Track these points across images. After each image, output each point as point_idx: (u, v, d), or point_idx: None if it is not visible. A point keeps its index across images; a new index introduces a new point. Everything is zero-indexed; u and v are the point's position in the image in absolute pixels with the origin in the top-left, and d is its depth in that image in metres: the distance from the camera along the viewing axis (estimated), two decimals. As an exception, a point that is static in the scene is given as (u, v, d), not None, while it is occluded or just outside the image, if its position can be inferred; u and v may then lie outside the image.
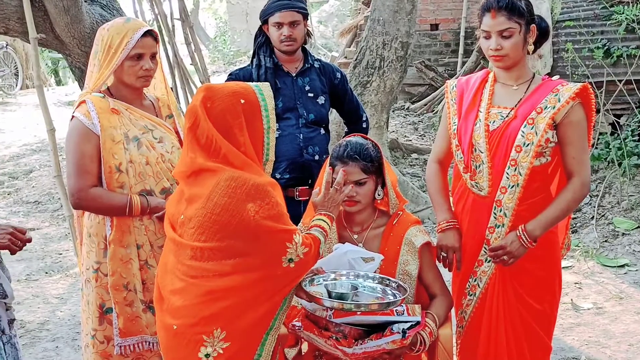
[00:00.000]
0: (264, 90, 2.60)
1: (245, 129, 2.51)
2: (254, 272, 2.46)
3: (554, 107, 2.89)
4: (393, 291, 2.78)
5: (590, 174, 3.00)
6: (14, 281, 5.84)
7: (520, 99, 2.97)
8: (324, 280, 2.79)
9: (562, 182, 3.05)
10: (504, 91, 3.02)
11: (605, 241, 6.37)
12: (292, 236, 2.48)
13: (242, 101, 2.52)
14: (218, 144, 2.47)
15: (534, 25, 2.94)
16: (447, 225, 3.07)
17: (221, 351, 2.45)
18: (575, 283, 5.58)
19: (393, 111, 9.92)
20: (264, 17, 3.86)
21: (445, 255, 3.07)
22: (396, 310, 2.74)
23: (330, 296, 2.66)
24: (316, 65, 3.97)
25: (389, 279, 2.83)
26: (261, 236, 2.44)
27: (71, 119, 3.10)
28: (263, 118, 2.55)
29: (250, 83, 2.65)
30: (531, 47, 2.96)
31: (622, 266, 5.86)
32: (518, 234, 2.91)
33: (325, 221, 2.73)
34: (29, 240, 2.78)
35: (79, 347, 4.61)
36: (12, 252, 2.72)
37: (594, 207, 6.85)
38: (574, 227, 6.70)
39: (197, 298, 2.47)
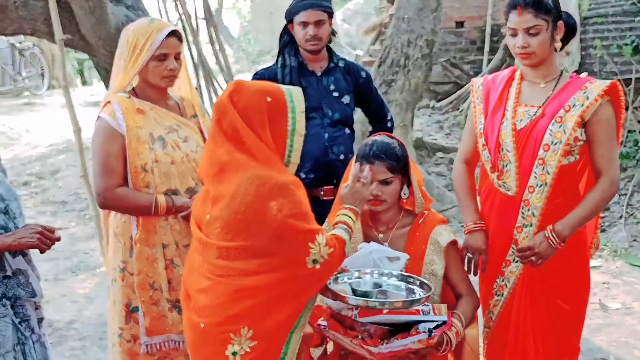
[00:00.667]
0: (294, 93, 2.58)
1: (268, 127, 2.50)
2: (278, 272, 2.45)
3: (582, 105, 2.85)
4: (417, 289, 2.77)
5: (619, 172, 2.95)
6: (41, 280, 5.93)
7: (548, 97, 2.94)
8: (348, 278, 2.79)
9: (591, 181, 3.02)
10: (531, 89, 2.99)
11: (634, 240, 6.30)
12: (314, 236, 2.46)
13: (269, 99, 2.51)
14: (243, 136, 2.47)
15: (561, 22, 2.90)
16: (474, 227, 3.05)
17: (248, 349, 2.46)
18: (604, 283, 5.52)
19: (418, 110, 9.86)
20: (289, 17, 3.85)
21: (470, 256, 3.04)
22: (422, 309, 2.72)
23: (354, 294, 2.65)
24: (341, 64, 3.95)
25: (412, 277, 2.82)
26: (284, 235, 2.44)
27: (97, 119, 3.12)
28: (288, 119, 2.54)
29: (281, 85, 2.64)
30: (558, 44, 2.92)
31: (651, 266, 5.79)
32: (547, 235, 2.87)
33: (349, 216, 2.69)
34: (58, 239, 2.79)
35: (106, 346, 4.63)
36: (42, 251, 2.74)
37: (623, 206, 6.77)
38: (602, 226, 6.62)
39: (224, 297, 2.47)
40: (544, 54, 2.91)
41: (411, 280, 2.81)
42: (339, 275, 2.76)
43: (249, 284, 2.45)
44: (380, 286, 2.77)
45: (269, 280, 2.45)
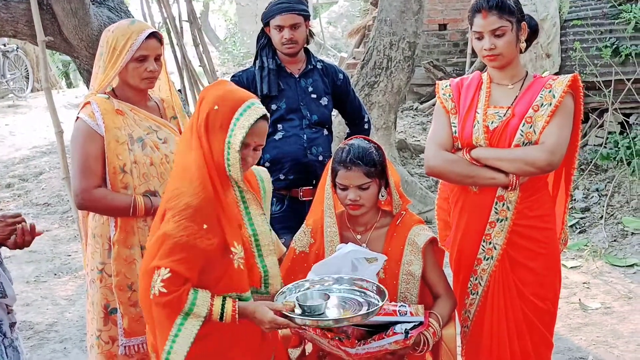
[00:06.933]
0: (250, 110, 2.49)
1: (208, 134, 2.48)
2: None
3: (550, 104, 2.90)
4: (371, 295, 2.71)
5: (561, 154, 2.90)
6: (22, 282, 5.93)
7: (516, 97, 2.99)
8: (297, 289, 2.71)
9: (558, 179, 3.12)
10: (500, 91, 3.03)
11: (614, 241, 6.34)
12: (159, 268, 2.40)
13: (216, 107, 2.48)
14: (197, 135, 2.49)
15: (524, 22, 2.96)
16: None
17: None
18: (584, 283, 5.56)
19: (401, 111, 9.91)
20: (266, 20, 3.88)
21: None
22: (399, 310, 2.73)
23: (302, 309, 2.56)
24: (319, 66, 3.97)
25: (366, 281, 2.76)
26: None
27: (76, 120, 3.10)
28: (228, 131, 2.46)
29: (251, 99, 2.54)
30: (523, 45, 2.98)
31: (631, 266, 5.83)
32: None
33: (223, 308, 2.48)
34: (33, 233, 2.75)
35: (87, 348, 4.63)
36: (13, 244, 2.70)
37: (603, 206, 6.82)
38: (582, 226, 6.68)
39: None
40: (511, 55, 2.95)
41: (366, 286, 2.75)
42: (285, 289, 2.68)
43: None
44: (329, 297, 2.66)
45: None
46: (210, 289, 2.48)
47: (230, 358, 2.58)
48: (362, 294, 2.74)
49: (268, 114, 2.58)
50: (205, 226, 2.43)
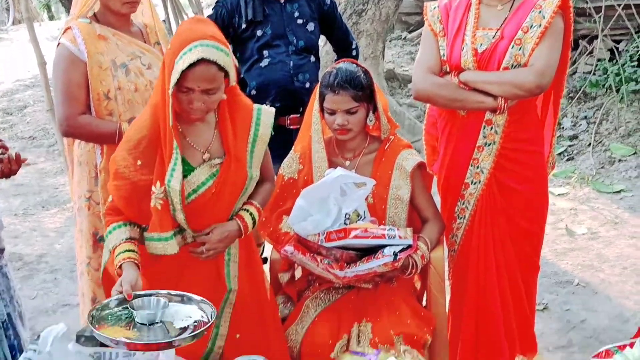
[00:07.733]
0: (191, 53, 2.33)
1: (164, 73, 2.42)
2: None
3: (540, 25, 2.83)
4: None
5: (551, 77, 2.84)
6: (10, 215, 5.93)
7: (505, 19, 2.91)
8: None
9: (546, 102, 3.08)
10: (488, 12, 2.95)
11: (602, 167, 6.38)
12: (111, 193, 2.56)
13: (169, 47, 2.44)
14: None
15: None
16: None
17: None
18: (571, 209, 5.61)
19: (390, 41, 9.78)
20: None
21: None
22: (388, 234, 2.74)
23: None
24: (305, -10, 3.88)
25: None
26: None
27: (57, 45, 3.03)
28: (171, 76, 2.35)
29: (200, 43, 2.35)
30: None
31: (618, 192, 5.90)
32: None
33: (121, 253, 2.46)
34: (18, 161, 2.73)
35: (77, 278, 4.65)
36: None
37: (591, 133, 6.83)
38: (570, 154, 6.70)
39: None
40: None
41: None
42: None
43: None
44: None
45: None
46: (147, 224, 2.52)
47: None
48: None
49: (215, 57, 2.35)
50: (139, 162, 2.47)
